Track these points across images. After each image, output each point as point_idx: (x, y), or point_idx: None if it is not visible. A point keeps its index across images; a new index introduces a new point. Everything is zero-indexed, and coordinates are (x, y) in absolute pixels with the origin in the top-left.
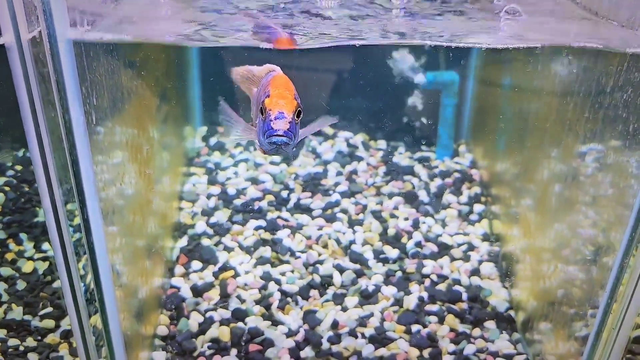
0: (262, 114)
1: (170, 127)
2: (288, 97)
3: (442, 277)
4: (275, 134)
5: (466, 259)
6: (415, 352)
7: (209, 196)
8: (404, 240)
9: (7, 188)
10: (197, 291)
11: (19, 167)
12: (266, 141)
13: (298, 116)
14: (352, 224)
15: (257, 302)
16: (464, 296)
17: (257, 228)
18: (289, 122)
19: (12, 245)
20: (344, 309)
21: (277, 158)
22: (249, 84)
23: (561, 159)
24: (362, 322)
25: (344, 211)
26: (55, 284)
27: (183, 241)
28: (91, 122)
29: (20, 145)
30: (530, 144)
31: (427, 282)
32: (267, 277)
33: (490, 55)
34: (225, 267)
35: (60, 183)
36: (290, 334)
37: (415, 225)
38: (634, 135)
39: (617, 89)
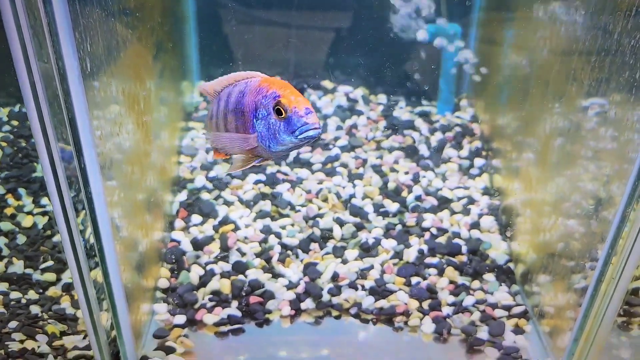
0: (279, 115)
1: (167, 81)
2: (301, 95)
3: (442, 231)
4: (312, 127)
5: (466, 212)
6: (414, 303)
7: (207, 150)
8: (404, 194)
9: (4, 144)
10: (198, 245)
11: (15, 122)
12: (300, 137)
13: None
14: (352, 178)
15: (258, 255)
16: (464, 249)
17: (257, 182)
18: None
19: (11, 200)
20: (344, 262)
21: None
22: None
23: (563, 112)
24: (362, 274)
25: (344, 165)
26: (55, 238)
27: (182, 195)
28: (85, 70)
29: (15, 100)
30: (532, 97)
31: (427, 235)
32: (267, 231)
33: (493, 5)
34: (225, 221)
35: (57, 137)
36: (290, 286)
37: (416, 179)
38: None
39: (624, 35)
